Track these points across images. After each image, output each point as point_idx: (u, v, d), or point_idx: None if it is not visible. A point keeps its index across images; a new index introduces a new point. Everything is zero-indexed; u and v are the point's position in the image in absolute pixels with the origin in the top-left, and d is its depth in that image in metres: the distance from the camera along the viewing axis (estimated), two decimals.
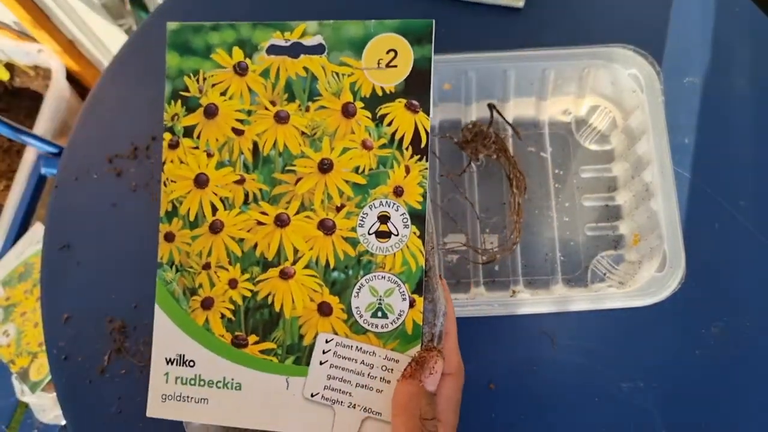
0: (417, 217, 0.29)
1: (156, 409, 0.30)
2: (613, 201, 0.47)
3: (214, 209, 0.30)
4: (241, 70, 0.30)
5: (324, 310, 0.29)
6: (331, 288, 0.29)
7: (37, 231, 0.85)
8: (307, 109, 0.30)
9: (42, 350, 0.78)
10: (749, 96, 0.49)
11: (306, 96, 0.30)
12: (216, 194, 0.30)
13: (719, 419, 0.42)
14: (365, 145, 0.29)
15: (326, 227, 0.29)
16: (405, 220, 0.29)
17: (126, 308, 0.46)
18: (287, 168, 0.30)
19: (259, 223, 0.30)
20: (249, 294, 0.30)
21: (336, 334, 0.29)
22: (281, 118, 0.30)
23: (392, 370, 0.28)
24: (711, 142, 0.48)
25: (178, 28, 0.30)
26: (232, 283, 0.30)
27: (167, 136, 0.30)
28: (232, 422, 0.29)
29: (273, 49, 0.30)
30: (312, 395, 0.28)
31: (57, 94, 0.99)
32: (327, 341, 0.29)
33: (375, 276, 0.29)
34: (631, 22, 0.51)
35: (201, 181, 0.30)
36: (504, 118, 0.47)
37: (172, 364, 0.30)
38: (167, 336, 0.30)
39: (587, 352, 0.44)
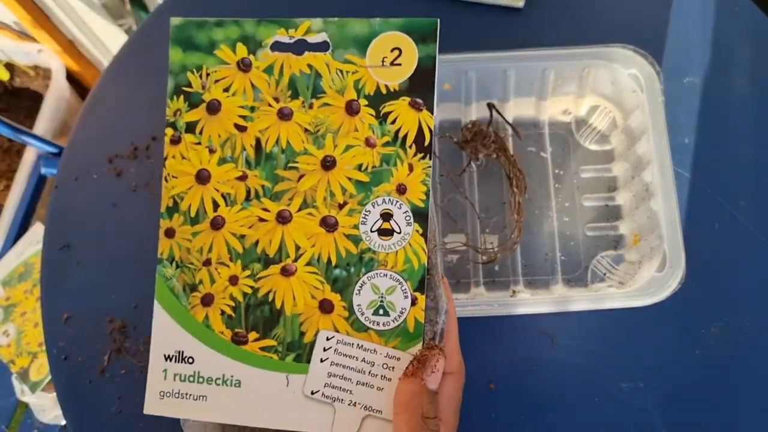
0: (420, 215, 0.29)
1: (154, 406, 0.29)
2: (613, 201, 0.47)
3: (216, 205, 0.30)
4: (244, 66, 0.30)
5: (325, 307, 0.29)
6: (333, 285, 0.29)
7: (37, 231, 0.85)
8: (311, 106, 0.30)
9: (42, 350, 0.78)
10: (749, 96, 0.49)
11: (310, 93, 0.30)
12: (218, 190, 0.30)
13: (719, 419, 0.42)
14: (368, 143, 0.30)
15: (328, 224, 0.29)
16: (408, 218, 0.29)
17: (126, 308, 0.46)
18: (290, 165, 0.30)
19: (261, 219, 0.30)
20: (250, 291, 0.30)
21: (337, 331, 0.29)
22: (284, 115, 0.30)
23: (393, 368, 0.28)
24: (711, 142, 0.48)
25: (182, 23, 0.30)
26: (233, 280, 0.30)
27: (169, 131, 0.30)
28: (231, 420, 0.29)
29: (277, 46, 0.30)
30: (312, 393, 0.28)
31: (57, 94, 0.99)
32: (328, 339, 0.29)
33: (377, 273, 0.29)
34: (631, 22, 0.51)
35: (203, 177, 0.30)
36: (504, 118, 0.47)
37: (170, 360, 0.29)
38: (166, 332, 0.30)
39: (587, 352, 0.44)
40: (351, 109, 0.30)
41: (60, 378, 0.45)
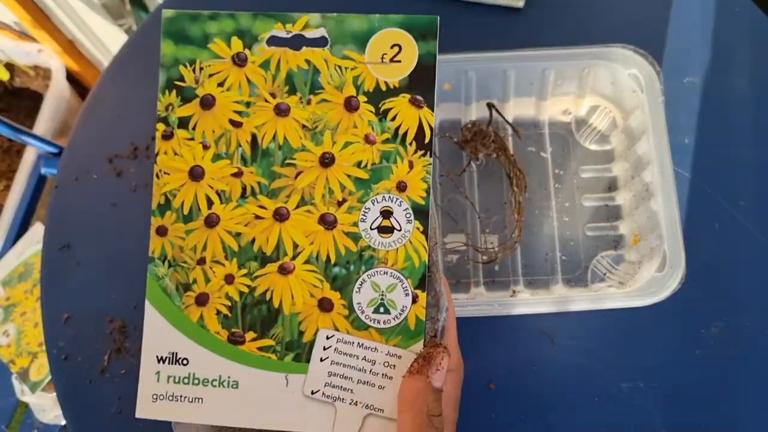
0: (420, 213, 0.29)
1: (146, 409, 0.29)
2: (613, 201, 0.47)
3: (210, 203, 0.29)
4: (240, 60, 0.29)
5: (325, 305, 0.29)
6: (332, 283, 0.29)
7: (37, 231, 0.85)
8: (309, 102, 0.29)
9: (42, 350, 0.78)
10: (749, 96, 0.49)
11: (307, 89, 0.29)
12: (212, 187, 0.29)
13: (719, 419, 0.42)
14: (368, 140, 0.29)
15: (327, 222, 0.29)
16: (408, 216, 0.29)
17: (126, 308, 0.46)
18: (287, 161, 0.29)
19: (257, 217, 0.29)
20: (246, 290, 0.29)
21: (337, 330, 0.29)
22: (281, 111, 0.29)
23: (395, 366, 0.28)
24: (711, 142, 0.48)
25: (174, 15, 0.29)
26: (229, 279, 0.29)
27: (160, 126, 0.29)
28: (228, 422, 0.29)
29: (273, 41, 0.29)
30: (312, 393, 0.28)
31: (57, 94, 0.99)
32: (328, 337, 0.29)
33: (377, 271, 0.29)
34: (631, 22, 0.51)
35: (196, 174, 0.29)
36: (503, 118, 0.47)
37: (163, 362, 0.29)
38: (158, 333, 0.29)
39: (587, 352, 0.44)
40: (350, 105, 0.29)
41: (60, 378, 0.45)
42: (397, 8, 0.52)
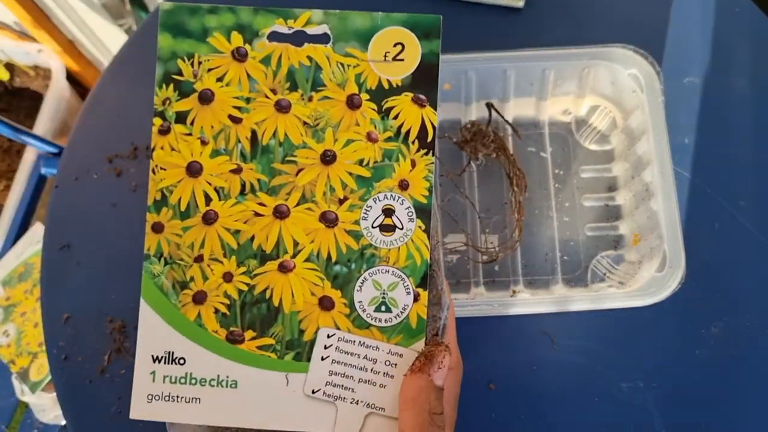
0: (422, 211, 0.29)
1: (141, 410, 0.28)
2: (613, 201, 0.47)
3: (208, 199, 0.29)
4: (240, 56, 0.29)
5: (325, 304, 0.29)
6: (333, 282, 0.29)
7: (37, 231, 0.85)
8: (310, 99, 0.29)
9: (42, 350, 0.78)
10: (749, 96, 0.49)
11: (309, 86, 0.29)
12: (210, 183, 0.29)
13: (719, 419, 0.42)
14: (370, 138, 0.29)
15: (328, 220, 0.29)
16: (410, 214, 0.29)
17: (126, 308, 0.46)
18: (287, 158, 0.29)
19: (257, 214, 0.29)
20: (245, 288, 0.29)
21: (338, 328, 0.28)
22: (282, 107, 0.29)
23: (396, 364, 0.28)
24: (711, 142, 0.48)
25: (172, 8, 0.29)
26: (227, 277, 0.29)
27: (157, 121, 0.29)
28: (227, 422, 0.28)
29: (275, 36, 0.29)
30: (313, 392, 0.28)
31: (57, 94, 0.99)
32: (329, 336, 0.28)
33: (379, 270, 0.29)
34: (631, 22, 0.51)
35: (194, 170, 0.29)
36: (503, 117, 0.47)
37: (159, 362, 0.28)
38: (154, 332, 0.29)
39: (587, 352, 0.44)
40: (352, 103, 0.29)
41: (60, 378, 0.45)
42: (397, 8, 0.52)
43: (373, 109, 0.29)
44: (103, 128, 0.51)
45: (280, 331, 0.29)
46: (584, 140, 0.48)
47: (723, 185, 0.46)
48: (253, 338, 0.29)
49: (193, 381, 0.28)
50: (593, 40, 0.44)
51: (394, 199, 0.29)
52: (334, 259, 0.29)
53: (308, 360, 0.28)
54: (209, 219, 0.29)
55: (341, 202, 0.29)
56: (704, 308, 0.44)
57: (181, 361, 0.28)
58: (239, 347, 0.28)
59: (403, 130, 0.29)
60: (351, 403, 0.28)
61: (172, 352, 0.28)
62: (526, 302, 0.40)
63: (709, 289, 0.44)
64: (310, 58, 0.29)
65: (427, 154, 0.29)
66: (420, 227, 0.29)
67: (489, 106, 0.46)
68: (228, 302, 0.29)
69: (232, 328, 0.29)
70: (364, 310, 0.29)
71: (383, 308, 0.29)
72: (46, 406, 0.80)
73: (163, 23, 0.29)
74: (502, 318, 0.43)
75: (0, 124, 0.79)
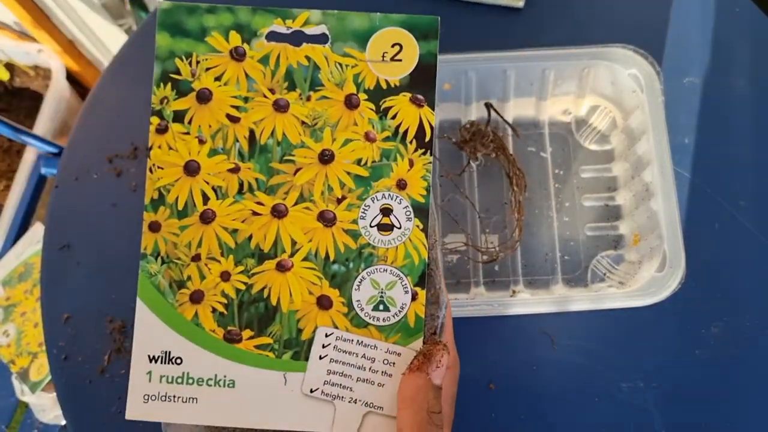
0: (420, 211, 0.29)
1: (137, 410, 0.28)
2: (613, 201, 0.47)
3: (206, 198, 0.29)
4: (238, 55, 0.29)
5: (323, 303, 0.29)
6: (331, 281, 0.29)
7: (37, 231, 0.85)
8: (308, 99, 0.29)
9: (42, 350, 0.78)
10: (749, 96, 0.49)
11: (307, 85, 0.29)
12: (208, 183, 0.29)
13: (719, 419, 0.42)
14: (368, 137, 0.29)
15: (326, 219, 0.29)
16: (408, 213, 0.29)
17: (126, 308, 0.46)
18: (286, 158, 0.29)
19: (255, 213, 0.29)
20: (243, 287, 0.29)
21: (336, 327, 0.28)
22: (280, 107, 0.29)
23: (394, 363, 0.28)
24: (711, 142, 0.48)
25: (170, 7, 0.29)
26: (225, 276, 0.29)
27: (155, 120, 0.29)
28: (225, 422, 0.28)
29: (273, 36, 0.29)
30: (311, 391, 0.28)
31: (57, 94, 0.99)
32: (327, 335, 0.28)
33: (377, 269, 0.29)
34: (631, 22, 0.51)
35: (191, 169, 0.29)
36: (502, 117, 0.47)
37: (156, 361, 0.28)
38: (151, 332, 0.28)
39: (587, 352, 0.44)
40: (350, 102, 0.29)
41: (60, 378, 0.45)
42: (396, 7, 0.52)
43: (371, 109, 0.29)
44: (103, 128, 0.51)
45: (278, 330, 0.29)
46: (584, 140, 0.48)
47: (723, 185, 0.46)
48: (251, 337, 0.29)
49: (191, 381, 0.28)
50: (593, 40, 0.44)
51: (392, 199, 0.29)
52: (332, 258, 0.29)
53: (306, 359, 0.28)
54: (207, 218, 0.29)
55: (339, 201, 0.29)
56: (704, 308, 0.44)
57: (178, 361, 0.28)
58: (237, 346, 0.28)
59: (401, 130, 0.29)
60: (349, 402, 0.28)
61: (169, 352, 0.28)
62: (526, 302, 0.40)
63: (709, 289, 0.44)
64: (308, 58, 0.29)
65: (425, 153, 0.29)
66: (418, 226, 0.29)
67: (488, 105, 0.46)
68: (225, 301, 0.29)
69: (229, 328, 0.29)
70: (362, 309, 0.29)
71: (381, 307, 0.29)
72: (46, 406, 0.80)
73: (161, 22, 0.29)
74: (502, 318, 0.43)
75: (0, 124, 0.79)
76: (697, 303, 0.44)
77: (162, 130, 0.29)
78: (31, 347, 0.79)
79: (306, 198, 0.29)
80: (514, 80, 0.46)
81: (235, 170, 0.29)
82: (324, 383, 0.28)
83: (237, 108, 0.29)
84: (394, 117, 0.29)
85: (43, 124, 0.97)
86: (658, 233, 0.40)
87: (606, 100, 0.47)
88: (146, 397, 0.28)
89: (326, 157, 0.29)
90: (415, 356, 0.28)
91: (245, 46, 0.29)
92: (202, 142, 0.29)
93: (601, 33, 0.51)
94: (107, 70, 0.52)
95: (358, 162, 0.29)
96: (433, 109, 0.29)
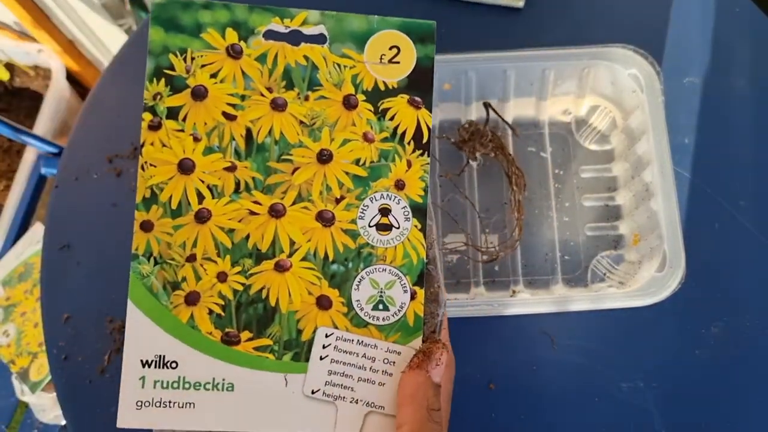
0: (418, 211, 0.29)
1: (129, 418, 0.27)
2: (613, 201, 0.47)
3: (201, 197, 0.28)
4: (234, 53, 0.28)
5: (323, 303, 0.28)
6: (331, 281, 0.29)
7: (37, 231, 0.85)
8: (307, 98, 0.29)
9: (42, 350, 0.78)
10: (749, 96, 0.49)
11: (306, 85, 0.29)
12: (203, 181, 0.28)
13: (719, 419, 0.42)
14: (366, 138, 0.29)
15: (325, 219, 0.29)
16: (406, 213, 0.29)
17: (126, 308, 0.46)
18: (283, 157, 0.29)
19: (252, 213, 0.28)
20: (241, 288, 0.28)
21: (336, 327, 0.28)
22: (278, 105, 0.29)
23: (394, 362, 0.28)
24: (711, 142, 0.48)
25: (164, 2, 0.28)
26: (221, 277, 0.28)
27: (147, 116, 0.28)
28: (223, 427, 0.27)
29: (271, 35, 0.29)
30: (313, 392, 0.28)
31: (57, 94, 0.99)
32: (327, 335, 0.28)
33: (376, 268, 0.29)
34: (631, 22, 0.51)
35: (186, 167, 0.28)
36: (501, 117, 0.47)
37: (149, 366, 0.27)
38: (143, 335, 0.27)
39: (587, 352, 0.44)
40: (349, 103, 0.29)
41: (60, 378, 0.45)
42: (396, 8, 0.52)
43: (370, 110, 0.29)
44: (103, 128, 0.51)
45: (278, 331, 0.28)
46: (584, 140, 0.48)
47: (723, 185, 0.46)
48: (250, 339, 0.28)
49: (187, 385, 0.27)
50: (593, 40, 0.44)
51: (390, 199, 0.29)
52: (331, 258, 0.29)
53: (307, 360, 0.28)
54: (202, 217, 0.28)
55: (338, 201, 0.29)
56: (704, 308, 0.44)
57: (173, 365, 0.28)
58: (235, 349, 0.28)
59: (399, 131, 0.29)
60: (351, 402, 0.28)
61: (163, 356, 0.28)
62: (526, 302, 0.40)
63: (709, 289, 0.44)
64: (306, 58, 0.29)
65: (422, 154, 0.29)
66: (416, 226, 0.29)
67: (486, 105, 0.46)
68: (223, 303, 0.28)
69: (227, 330, 0.28)
70: (361, 309, 0.29)
71: (381, 306, 0.29)
72: (46, 406, 0.80)
73: (155, 17, 0.28)
74: (502, 318, 0.43)
75: (0, 124, 0.79)
76: (697, 303, 0.44)
77: (155, 127, 0.28)
78: (31, 347, 0.79)
79: (304, 198, 0.29)
80: (514, 80, 0.46)
81: (232, 169, 0.29)
82: (325, 384, 0.28)
83: (233, 106, 0.29)
84: (392, 118, 0.29)
85: (43, 124, 0.97)
86: (658, 233, 0.40)
87: (606, 100, 0.47)
88: (139, 404, 0.27)
89: (325, 157, 0.29)
90: (414, 354, 0.28)
91: (242, 43, 0.28)
92: (197, 139, 0.28)
93: (601, 33, 0.51)
94: (107, 70, 0.52)
95: (357, 162, 0.29)
96: (431, 111, 0.29)
